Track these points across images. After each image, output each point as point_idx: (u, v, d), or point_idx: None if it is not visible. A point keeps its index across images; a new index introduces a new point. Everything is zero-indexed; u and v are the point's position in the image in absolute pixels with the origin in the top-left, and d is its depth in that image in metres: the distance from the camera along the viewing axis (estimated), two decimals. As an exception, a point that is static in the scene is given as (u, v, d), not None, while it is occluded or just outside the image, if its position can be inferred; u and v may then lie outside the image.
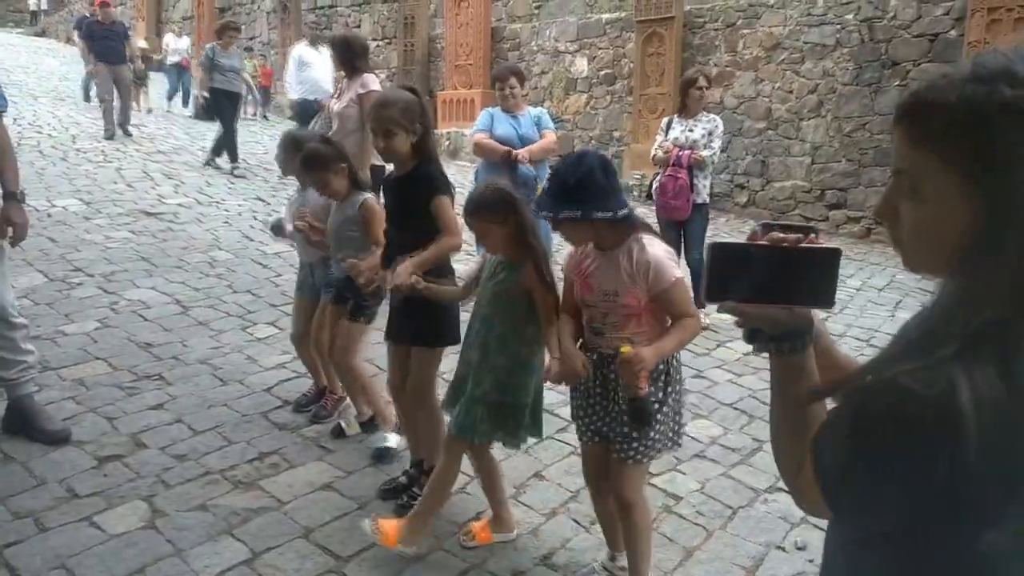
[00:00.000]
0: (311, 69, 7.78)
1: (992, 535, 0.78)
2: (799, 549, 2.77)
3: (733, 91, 9.53)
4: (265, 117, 14.91)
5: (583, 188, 2.08)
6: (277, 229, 3.82)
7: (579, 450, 3.30)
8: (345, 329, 3.22)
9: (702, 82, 5.08)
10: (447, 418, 2.69)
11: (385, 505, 2.89)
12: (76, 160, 8.74)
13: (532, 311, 2.44)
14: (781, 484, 3.18)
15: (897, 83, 8.22)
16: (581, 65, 11.21)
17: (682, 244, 5.10)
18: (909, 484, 0.78)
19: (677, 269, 2.18)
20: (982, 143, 0.78)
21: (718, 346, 4.79)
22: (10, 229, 3.11)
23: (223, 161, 9.13)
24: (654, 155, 5.12)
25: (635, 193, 9.09)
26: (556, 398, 3.29)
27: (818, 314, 1.05)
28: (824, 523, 1.03)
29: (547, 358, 2.40)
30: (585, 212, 2.08)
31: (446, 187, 2.74)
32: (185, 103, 14.19)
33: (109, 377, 3.86)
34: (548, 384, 2.46)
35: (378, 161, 4.51)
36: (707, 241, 5.18)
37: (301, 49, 8.02)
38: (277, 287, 5.28)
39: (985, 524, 0.78)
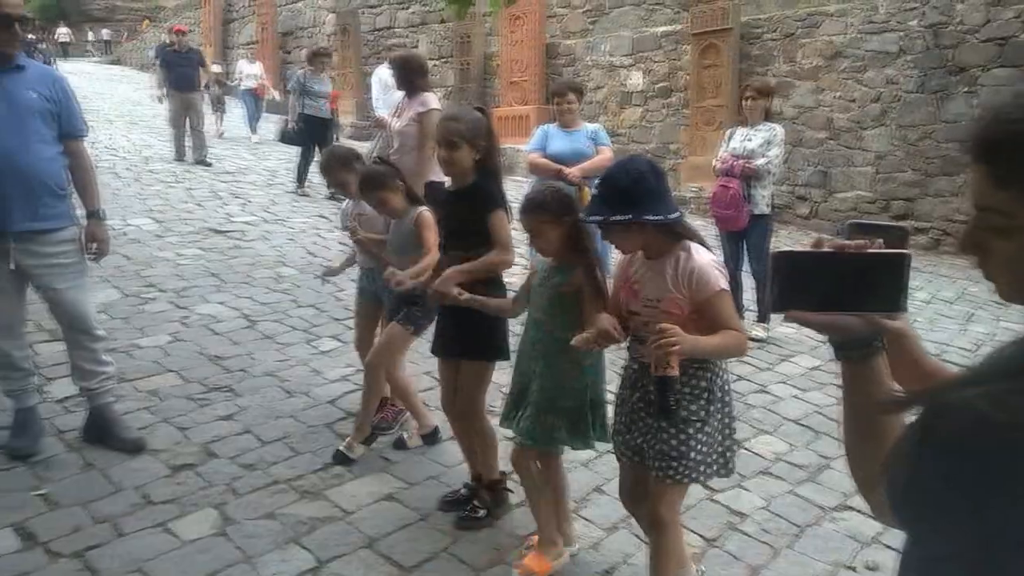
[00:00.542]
0: (396, 91, 7.92)
1: None
2: (870, 570, 2.70)
3: (792, 101, 9.37)
4: (336, 139, 14.79)
5: (634, 192, 2.06)
6: (329, 273, 4.03)
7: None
8: (389, 331, 3.30)
9: (748, 92, 5.04)
10: (508, 432, 2.70)
11: (446, 517, 2.92)
12: (148, 181, 9.11)
13: (581, 314, 2.42)
14: (850, 502, 3.11)
15: (964, 90, 7.97)
16: (636, 79, 11.18)
17: (743, 256, 5.04)
18: (977, 507, 0.76)
19: (723, 280, 2.11)
20: None
21: (782, 360, 4.70)
22: (94, 245, 3.28)
23: (308, 187, 9.11)
24: (714, 167, 5.08)
25: (692, 206, 9.01)
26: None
27: (906, 319, 1.03)
28: (896, 543, 1.01)
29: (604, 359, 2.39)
30: (636, 215, 2.05)
31: (503, 203, 2.78)
32: (252, 129, 13.75)
33: (181, 389, 4.00)
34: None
35: (436, 178, 4.58)
36: (766, 253, 5.11)
37: (383, 72, 8.03)
38: (340, 302, 5.40)
39: None
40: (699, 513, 2.96)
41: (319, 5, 17.50)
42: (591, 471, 3.25)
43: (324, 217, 8.07)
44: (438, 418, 3.42)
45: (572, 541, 2.73)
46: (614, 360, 2.67)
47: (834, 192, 9.17)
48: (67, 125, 3.24)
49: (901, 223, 1.08)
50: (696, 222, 2.54)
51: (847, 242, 0.97)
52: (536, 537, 2.67)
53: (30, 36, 15.67)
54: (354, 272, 3.90)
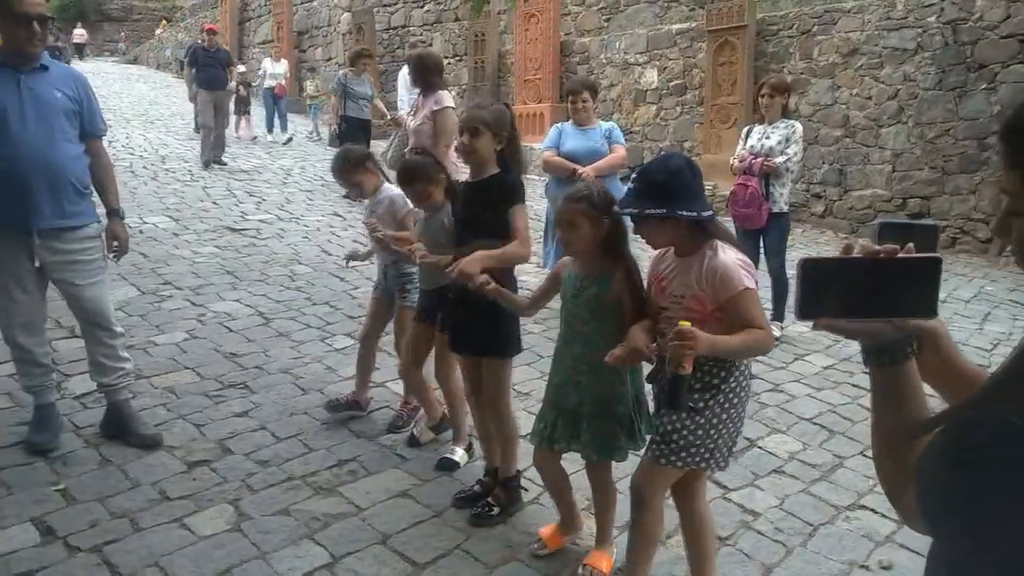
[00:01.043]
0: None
1: None
2: (884, 569, 2.68)
3: (808, 99, 9.31)
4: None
5: (670, 186, 2.06)
6: (352, 257, 4.12)
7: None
8: (415, 337, 3.31)
9: (765, 89, 5.00)
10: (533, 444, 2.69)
11: (460, 514, 2.93)
12: (165, 179, 9.19)
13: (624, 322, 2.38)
14: (864, 502, 3.10)
15: (983, 87, 7.88)
16: (651, 76, 11.15)
17: (761, 254, 5.01)
18: (1008, 517, 0.76)
19: (748, 279, 2.09)
20: None
21: (795, 359, 4.67)
22: (114, 243, 3.32)
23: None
24: (732, 165, 5.06)
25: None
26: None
27: (940, 320, 1.02)
28: (910, 542, 1.01)
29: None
30: (670, 210, 2.05)
31: (523, 197, 2.79)
32: (283, 128, 13.50)
33: (197, 385, 4.04)
34: None
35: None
36: (784, 251, 5.08)
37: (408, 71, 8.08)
38: (354, 299, 5.43)
39: None
40: (712, 511, 2.94)
41: (335, 4, 17.55)
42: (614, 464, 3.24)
43: (338, 215, 8.11)
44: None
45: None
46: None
47: (850, 190, 9.10)
48: (89, 124, 3.29)
49: (931, 221, 1.07)
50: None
51: (876, 248, 0.96)
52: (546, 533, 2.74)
53: (53, 40, 15.47)
54: (369, 270, 3.93)
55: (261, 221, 7.65)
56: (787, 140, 4.86)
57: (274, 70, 13.63)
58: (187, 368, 4.24)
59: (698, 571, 2.40)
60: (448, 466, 3.28)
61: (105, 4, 36.75)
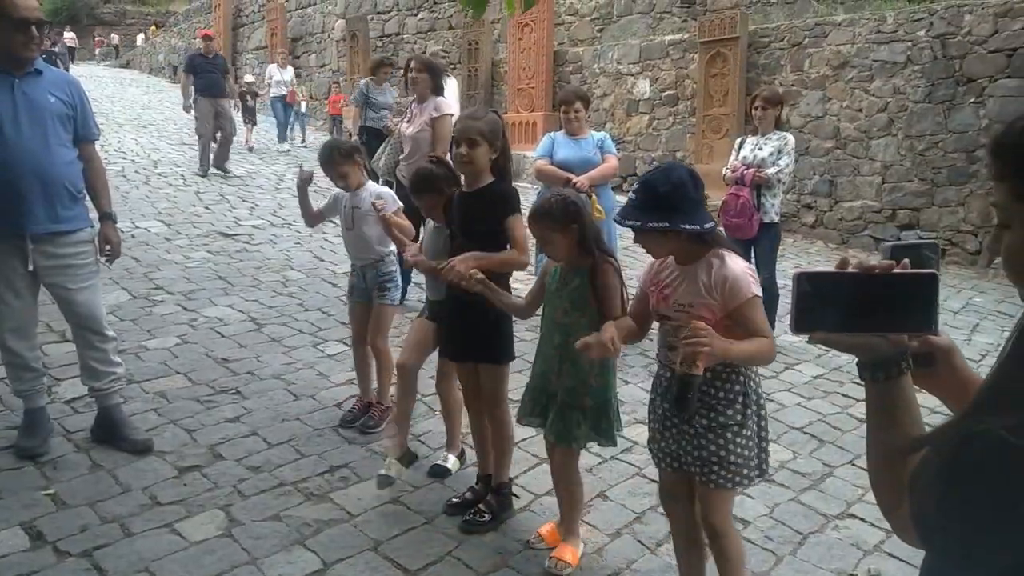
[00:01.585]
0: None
1: None
2: (873, 577, 2.70)
3: (799, 110, 9.38)
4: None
5: (672, 199, 2.05)
6: (304, 179, 3.80)
7: (643, 471, 3.32)
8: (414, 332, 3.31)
9: (759, 101, 5.06)
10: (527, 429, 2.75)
11: (451, 520, 2.93)
12: (157, 184, 9.18)
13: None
14: (853, 510, 3.12)
15: (972, 100, 7.97)
16: (643, 87, 11.21)
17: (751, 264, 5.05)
18: (1005, 533, 0.78)
19: (756, 286, 2.11)
20: None
21: (786, 368, 4.70)
22: (107, 247, 3.32)
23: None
24: (724, 175, 5.10)
25: (698, 214, 9.00)
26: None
27: (947, 333, 1.04)
28: (899, 551, 1.02)
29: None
30: (673, 223, 2.05)
31: (520, 206, 2.81)
32: (303, 136, 13.14)
33: (188, 391, 4.03)
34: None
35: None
36: (774, 261, 5.12)
37: None
38: (346, 305, 5.40)
39: None
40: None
41: (329, 11, 17.58)
42: (595, 476, 3.26)
43: (331, 221, 8.09)
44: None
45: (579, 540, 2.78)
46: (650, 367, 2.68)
47: (840, 201, 9.17)
48: (82, 128, 3.29)
49: (931, 240, 1.08)
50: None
51: (872, 263, 0.97)
52: (545, 530, 2.78)
53: (49, 44, 15.19)
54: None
55: (254, 226, 7.64)
56: (779, 152, 4.92)
57: (281, 77, 13.21)
58: (179, 373, 4.23)
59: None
60: (440, 473, 3.28)
61: (97, 8, 36.70)
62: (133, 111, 15.80)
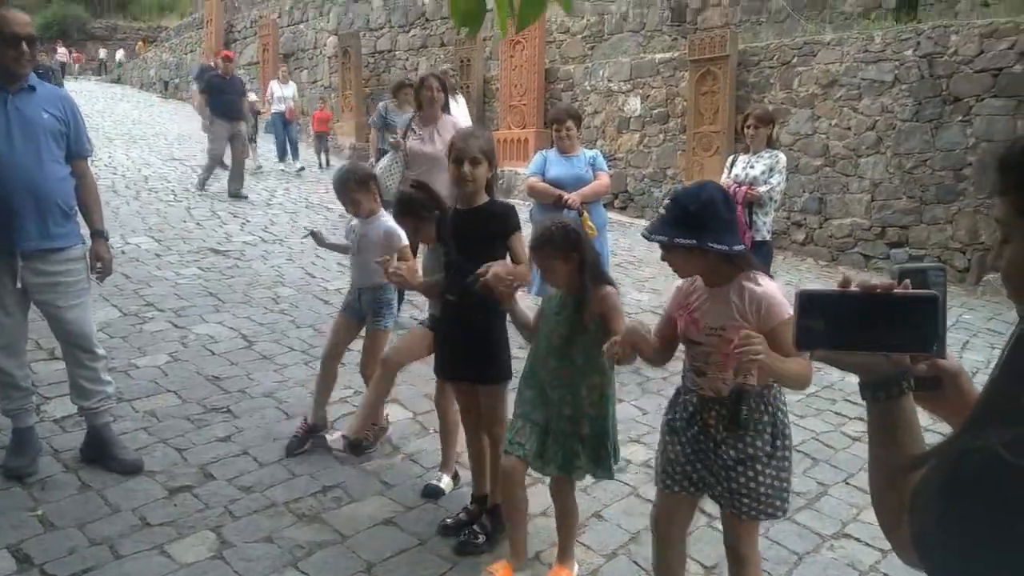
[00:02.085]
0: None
1: None
2: (869, 598, 2.69)
3: (788, 128, 9.46)
4: (328, 164, 13.47)
5: (702, 217, 2.02)
6: (318, 239, 3.98)
7: (638, 491, 3.31)
8: (409, 338, 3.31)
9: (751, 120, 5.11)
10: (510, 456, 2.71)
11: (445, 542, 2.90)
12: (148, 200, 9.14)
13: (604, 340, 2.40)
14: (848, 530, 3.12)
15: (959, 119, 8.06)
16: (634, 104, 11.29)
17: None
18: (1003, 553, 0.77)
19: (789, 306, 2.05)
20: None
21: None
22: (98, 264, 3.30)
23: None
24: None
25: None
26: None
27: (953, 355, 1.05)
28: (895, 572, 1.02)
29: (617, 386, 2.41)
30: (701, 241, 2.00)
31: (520, 224, 2.83)
32: (294, 156, 12.72)
33: (179, 409, 3.99)
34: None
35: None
36: (772, 279, 5.13)
37: None
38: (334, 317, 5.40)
39: None
40: (697, 540, 2.95)
41: (320, 27, 17.66)
42: (590, 496, 3.25)
43: (321, 232, 8.08)
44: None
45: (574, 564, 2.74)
46: (662, 390, 2.67)
47: (830, 218, 9.24)
48: (75, 144, 3.28)
49: (938, 264, 1.09)
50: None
51: (873, 283, 0.98)
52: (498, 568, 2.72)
53: (47, 58, 15.05)
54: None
55: (245, 242, 7.62)
56: (771, 170, 4.96)
57: (282, 93, 12.91)
58: (169, 391, 4.19)
59: None
60: (433, 493, 3.25)
61: (89, 23, 36.72)
62: (124, 126, 15.78)
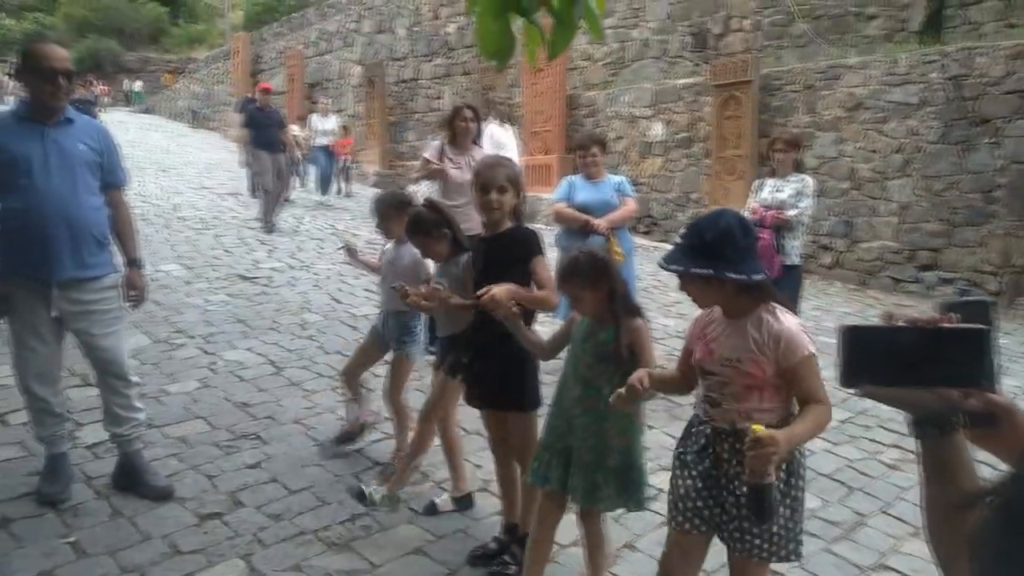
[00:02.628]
0: (506, 151, 6.91)
1: None
2: (912, 633, 2.61)
3: (814, 152, 9.41)
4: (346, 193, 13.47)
5: (718, 246, 1.97)
6: (351, 252, 4.08)
7: (671, 520, 3.25)
8: (442, 384, 3.25)
9: (778, 144, 5.10)
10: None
11: (475, 571, 2.87)
12: (178, 228, 9.28)
13: (633, 370, 2.35)
14: (888, 562, 3.04)
15: (987, 141, 7.98)
16: (657, 129, 11.31)
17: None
18: None
19: (811, 344, 1.99)
20: None
21: (810, 413, 4.63)
22: (132, 292, 3.35)
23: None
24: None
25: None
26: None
27: (1003, 391, 1.02)
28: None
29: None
30: (718, 271, 1.96)
31: (541, 248, 2.83)
32: (326, 189, 12.47)
33: (209, 436, 4.01)
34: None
35: None
36: (797, 304, 5.08)
37: (493, 129, 7.31)
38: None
39: None
40: (733, 571, 2.89)
41: (346, 57, 17.95)
42: (622, 526, 3.20)
43: (349, 263, 8.14)
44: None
45: None
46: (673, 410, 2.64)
47: (858, 242, 9.15)
48: (110, 175, 3.34)
49: (986, 297, 1.05)
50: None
51: (919, 316, 0.96)
52: None
53: (85, 90, 15.24)
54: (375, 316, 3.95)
55: (272, 269, 7.69)
56: (799, 193, 4.93)
57: (324, 126, 12.74)
58: (199, 418, 4.22)
59: None
60: (430, 510, 3.31)
61: (121, 56, 37.67)
62: (155, 155, 16.09)
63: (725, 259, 1.97)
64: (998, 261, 7.89)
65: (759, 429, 1.76)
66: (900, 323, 0.96)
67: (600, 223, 4.74)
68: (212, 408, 4.35)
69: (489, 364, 2.85)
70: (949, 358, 0.94)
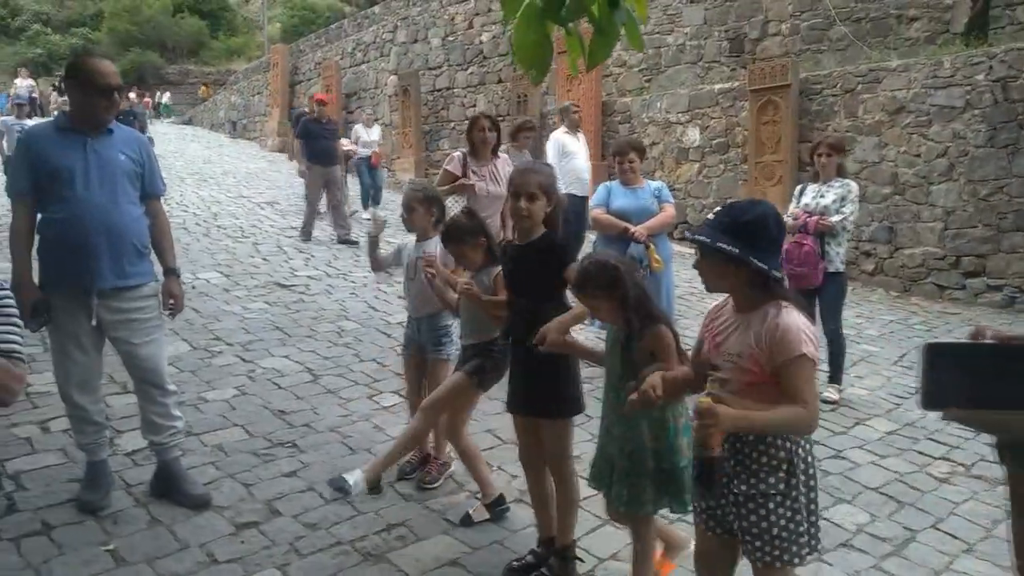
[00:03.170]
0: (575, 159, 7.05)
1: None
2: (969, 656, 2.50)
3: (855, 156, 9.22)
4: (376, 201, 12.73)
5: (750, 229, 1.95)
6: (377, 226, 3.95)
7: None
8: (453, 380, 3.22)
9: (822, 148, 4.99)
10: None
11: (512, 584, 2.83)
12: (217, 236, 9.40)
13: None
14: (941, 580, 2.92)
15: (1037, 144, 7.73)
16: (693, 135, 11.19)
17: (816, 316, 4.89)
18: None
19: (808, 345, 1.91)
20: None
21: (856, 424, 4.50)
22: (170, 301, 3.37)
23: None
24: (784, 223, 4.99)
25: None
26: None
27: None
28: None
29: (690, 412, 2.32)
30: (744, 252, 1.92)
31: (574, 255, 2.79)
32: (376, 202, 11.95)
33: (246, 443, 4.02)
34: None
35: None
36: (840, 312, 4.95)
37: (560, 136, 7.28)
38: (400, 356, 5.40)
39: None
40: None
41: (381, 67, 18.09)
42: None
43: (386, 272, 8.16)
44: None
45: None
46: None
47: (901, 248, 8.93)
48: (149, 185, 3.37)
49: None
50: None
51: (1010, 334, 0.89)
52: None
53: (131, 103, 15.55)
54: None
55: (309, 277, 7.75)
56: (843, 199, 4.81)
57: (368, 137, 12.21)
58: (236, 425, 4.24)
59: None
60: (466, 521, 3.26)
61: (163, 69, 38.51)
62: (195, 165, 16.36)
63: (753, 245, 1.94)
64: (1049, 267, 7.63)
65: (703, 401, 1.81)
66: (989, 340, 0.89)
67: (639, 230, 4.67)
68: (250, 416, 4.37)
69: (525, 369, 2.81)
70: None
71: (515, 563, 2.92)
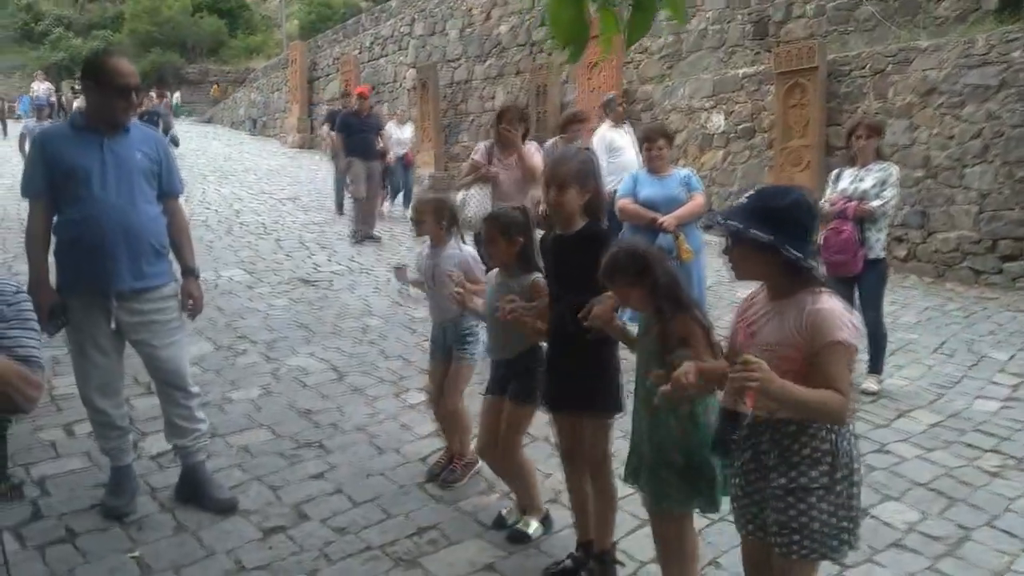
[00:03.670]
0: (623, 154, 6.92)
1: None
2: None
3: (885, 140, 8.93)
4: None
5: (785, 215, 1.89)
6: (400, 275, 3.88)
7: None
8: (511, 417, 3.01)
9: (860, 130, 4.79)
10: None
11: (549, 590, 2.72)
12: (240, 233, 9.39)
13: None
14: (1001, 582, 2.77)
15: (1077, 122, 7.46)
16: (717, 121, 10.98)
17: (855, 304, 4.71)
18: None
19: (846, 331, 1.86)
20: None
21: (899, 415, 4.33)
22: (189, 301, 3.29)
23: None
24: (822, 209, 4.81)
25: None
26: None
27: None
28: None
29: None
30: (777, 239, 1.85)
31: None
32: (406, 203, 11.39)
33: (272, 444, 3.95)
34: None
35: None
36: (882, 300, 4.76)
37: (607, 131, 7.19)
38: (426, 353, 5.30)
39: None
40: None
41: (400, 61, 18.02)
42: (704, 541, 2.98)
43: (400, 287, 8.08)
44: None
45: None
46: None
47: (934, 232, 8.68)
48: (167, 184, 3.29)
49: None
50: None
51: None
52: None
53: (153, 103, 15.58)
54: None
55: (332, 272, 7.69)
56: (883, 183, 4.61)
57: (400, 135, 11.91)
58: (262, 426, 4.17)
59: None
60: (519, 538, 3.04)
61: (183, 68, 38.73)
62: (216, 163, 16.41)
63: (785, 233, 1.86)
64: (1092, 250, 7.37)
65: (750, 357, 1.76)
66: None
67: (668, 220, 4.54)
68: (275, 416, 4.30)
69: (563, 361, 2.70)
70: None
71: (554, 568, 2.81)
